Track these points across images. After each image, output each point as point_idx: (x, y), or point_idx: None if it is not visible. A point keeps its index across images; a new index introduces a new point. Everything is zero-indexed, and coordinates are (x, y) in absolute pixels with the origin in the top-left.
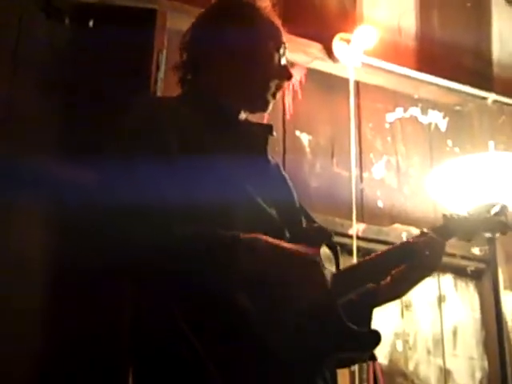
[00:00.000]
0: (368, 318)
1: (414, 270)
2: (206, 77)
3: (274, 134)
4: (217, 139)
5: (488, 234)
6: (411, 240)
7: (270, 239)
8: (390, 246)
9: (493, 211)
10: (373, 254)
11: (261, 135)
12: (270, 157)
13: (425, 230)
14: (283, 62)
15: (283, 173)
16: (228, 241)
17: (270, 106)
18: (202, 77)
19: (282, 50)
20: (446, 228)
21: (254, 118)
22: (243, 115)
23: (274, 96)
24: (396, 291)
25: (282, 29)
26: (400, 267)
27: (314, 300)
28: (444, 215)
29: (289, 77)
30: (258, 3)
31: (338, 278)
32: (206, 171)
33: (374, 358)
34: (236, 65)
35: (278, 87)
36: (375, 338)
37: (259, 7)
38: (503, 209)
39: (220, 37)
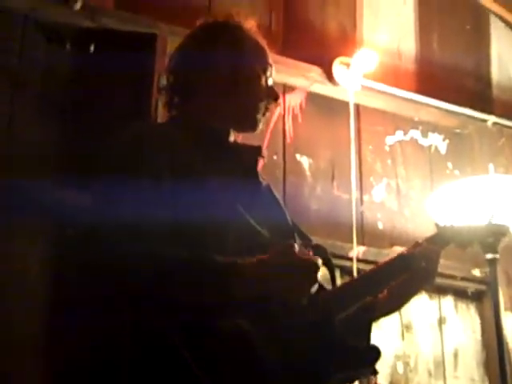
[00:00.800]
0: (367, 333)
1: (410, 281)
2: (193, 100)
3: (273, 157)
4: (207, 162)
5: (490, 255)
6: (406, 251)
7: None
8: (387, 259)
9: (487, 219)
10: (369, 268)
11: (251, 157)
12: (260, 178)
13: (419, 240)
14: (270, 83)
15: (275, 194)
16: (224, 268)
17: (260, 126)
18: (189, 100)
19: (268, 72)
20: (440, 237)
21: (252, 139)
22: (233, 137)
23: (263, 116)
24: (394, 304)
25: (267, 50)
26: (397, 279)
27: (313, 318)
28: (436, 224)
29: (276, 98)
30: (243, 25)
31: (337, 293)
32: (196, 193)
33: (375, 372)
34: (222, 88)
35: (267, 108)
36: (374, 353)
37: (244, 29)
38: (493, 217)
39: (205, 60)
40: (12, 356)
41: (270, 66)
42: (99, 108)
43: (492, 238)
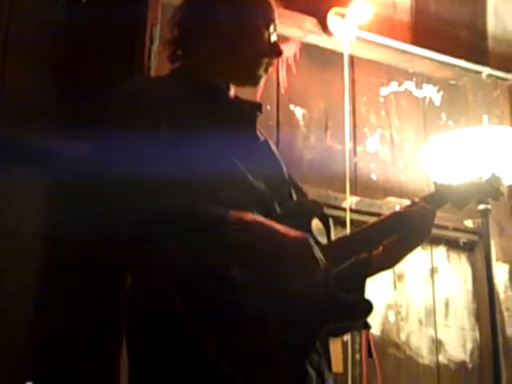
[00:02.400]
0: (362, 288)
1: (405, 239)
2: (195, 53)
3: (267, 107)
4: (205, 116)
5: (482, 206)
6: (402, 209)
7: (259, 218)
8: (382, 216)
9: (485, 178)
10: (365, 225)
11: (250, 112)
12: (259, 133)
13: (415, 199)
14: (273, 38)
15: (273, 148)
16: (217, 219)
17: (261, 81)
18: (192, 53)
19: (272, 28)
20: (438, 195)
21: (248, 92)
22: (233, 91)
23: (265, 71)
24: (388, 261)
25: (273, 5)
26: (391, 237)
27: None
28: (435, 183)
29: (278, 54)
30: None
31: (331, 248)
32: (194, 146)
33: (368, 327)
34: (226, 42)
35: (269, 63)
36: (367, 306)
37: None
38: (495, 175)
39: (210, 14)
40: (4, 305)
41: (274, 21)
42: (93, 59)
43: (491, 197)
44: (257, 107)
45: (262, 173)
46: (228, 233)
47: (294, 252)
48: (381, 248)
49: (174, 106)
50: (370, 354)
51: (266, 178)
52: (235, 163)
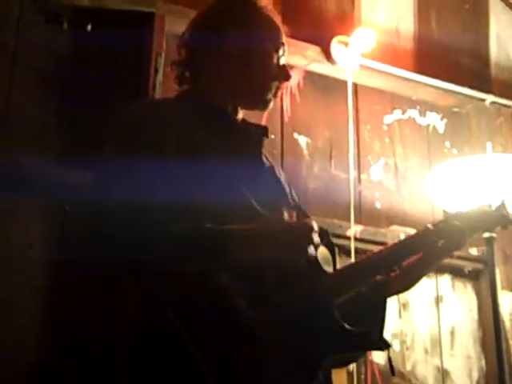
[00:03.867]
0: (383, 309)
1: (422, 259)
2: (203, 76)
3: (271, 136)
4: (212, 139)
5: (488, 234)
6: (432, 227)
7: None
8: (405, 236)
9: (494, 206)
10: (384, 246)
11: (256, 137)
12: (264, 159)
13: (429, 225)
14: (282, 62)
15: (278, 175)
16: (216, 233)
17: (271, 105)
18: (199, 76)
19: (281, 51)
20: (447, 223)
21: (250, 119)
22: (241, 115)
23: (275, 95)
24: (406, 281)
25: (281, 29)
26: (412, 257)
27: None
28: (444, 211)
29: (287, 77)
30: (257, 2)
31: (348, 271)
32: (200, 171)
33: (388, 346)
34: (235, 65)
35: (278, 87)
36: (367, 338)
37: (259, 7)
38: (503, 204)
39: (218, 37)
40: (12, 334)
41: (283, 44)
42: (97, 87)
43: (500, 225)
44: (263, 131)
45: (267, 199)
46: (233, 249)
47: (296, 232)
48: (398, 269)
49: (179, 129)
50: (392, 372)
51: (270, 204)
52: (240, 189)
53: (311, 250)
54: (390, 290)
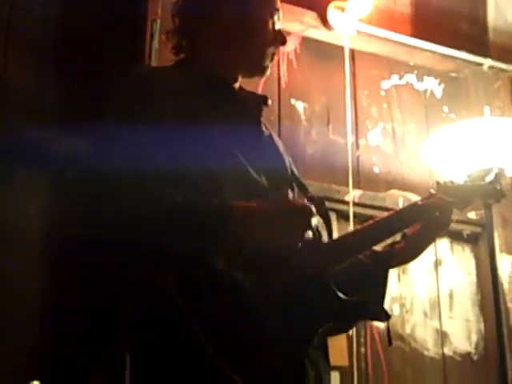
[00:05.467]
0: (384, 280)
1: (424, 231)
2: (200, 44)
3: (269, 103)
4: (210, 107)
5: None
6: (421, 201)
7: (260, 206)
8: (398, 209)
9: (487, 179)
10: (380, 217)
11: (255, 105)
12: (263, 127)
13: (432, 190)
14: (277, 27)
15: (276, 143)
16: (219, 210)
17: (268, 71)
18: (197, 45)
19: (276, 16)
20: (436, 198)
21: (247, 84)
22: (238, 83)
23: (271, 60)
24: (410, 253)
25: None
26: (412, 229)
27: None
28: (437, 182)
29: (283, 42)
30: None
31: (345, 240)
32: (197, 138)
33: (388, 317)
34: (230, 33)
35: (274, 53)
36: (363, 308)
37: None
38: (498, 176)
39: (213, 5)
40: (11, 309)
41: (278, 10)
42: (92, 55)
43: (492, 198)
44: (262, 100)
45: (265, 167)
46: (231, 227)
47: (296, 212)
48: (402, 240)
49: (179, 96)
50: (389, 342)
51: (268, 172)
52: (238, 157)
53: (309, 234)
54: (393, 262)
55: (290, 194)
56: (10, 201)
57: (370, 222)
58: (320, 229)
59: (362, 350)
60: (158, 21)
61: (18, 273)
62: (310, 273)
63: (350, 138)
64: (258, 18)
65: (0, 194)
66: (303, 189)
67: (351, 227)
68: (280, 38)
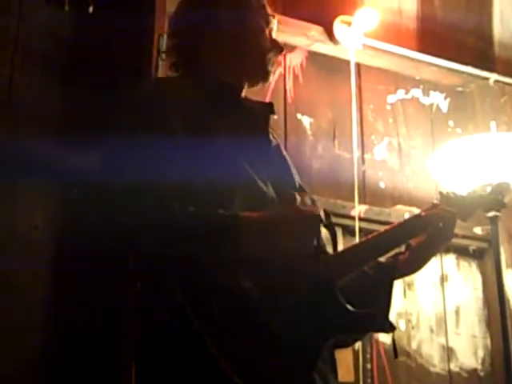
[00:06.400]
0: (389, 292)
1: (429, 242)
2: (199, 60)
3: (275, 113)
4: (218, 118)
5: (492, 213)
6: (423, 213)
7: (270, 215)
8: (402, 220)
9: (488, 189)
10: (384, 229)
11: (262, 114)
12: (271, 137)
13: (435, 201)
14: (273, 35)
15: (284, 153)
16: (229, 220)
17: (271, 77)
18: (195, 60)
19: (271, 23)
20: (438, 209)
21: (256, 98)
22: (244, 92)
23: (272, 66)
24: (415, 264)
25: (266, 3)
26: (416, 240)
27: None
28: (441, 193)
29: (281, 50)
30: None
31: (350, 252)
32: (207, 151)
33: (393, 328)
34: (229, 45)
35: (274, 61)
36: (371, 320)
37: None
38: (499, 187)
39: (208, 18)
40: (15, 316)
41: (272, 17)
42: (99, 70)
43: (494, 208)
44: (269, 108)
45: (272, 178)
46: (240, 237)
47: (305, 221)
48: (407, 251)
49: (187, 107)
50: (395, 355)
51: (275, 183)
52: (246, 168)
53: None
54: (397, 273)
55: (298, 199)
56: (16, 210)
57: (375, 233)
58: (325, 242)
59: (368, 365)
60: (165, 35)
61: (21, 280)
62: (318, 284)
63: (356, 153)
64: (254, 26)
65: (4, 203)
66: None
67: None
68: (277, 46)
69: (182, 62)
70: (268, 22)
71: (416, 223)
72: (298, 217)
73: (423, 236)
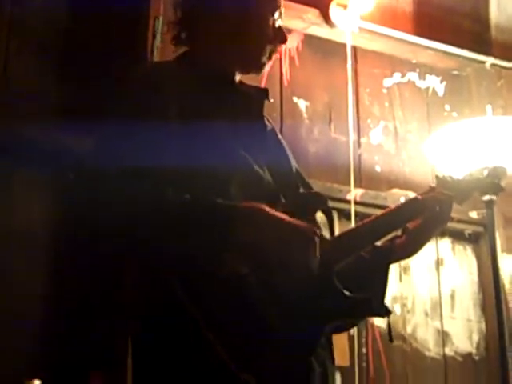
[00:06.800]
0: (385, 276)
1: (425, 225)
2: (199, 38)
3: (271, 98)
4: (214, 103)
5: (487, 197)
6: (420, 196)
7: (269, 209)
8: (399, 204)
9: (485, 173)
10: (381, 213)
11: (257, 99)
12: (266, 121)
13: (432, 185)
14: (278, 24)
15: (280, 137)
16: (226, 210)
17: (265, 68)
18: (197, 38)
19: (277, 14)
20: (440, 188)
21: (249, 82)
22: (238, 77)
23: (269, 58)
24: (411, 247)
25: None
26: (413, 223)
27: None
28: (437, 176)
29: (283, 40)
30: None
31: (346, 237)
32: (202, 136)
33: (389, 312)
34: (230, 28)
35: (273, 50)
36: (368, 305)
37: None
38: (496, 170)
39: (212, 2)
40: (12, 310)
41: (280, 7)
42: (95, 53)
43: (491, 192)
44: (264, 93)
45: (269, 163)
46: (237, 227)
47: (299, 234)
48: (403, 235)
49: (183, 92)
50: (390, 339)
51: (272, 168)
52: (243, 153)
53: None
54: (393, 257)
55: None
56: (12, 203)
57: (371, 217)
58: (322, 227)
59: (364, 350)
60: (161, 18)
61: (19, 274)
62: (316, 271)
63: (352, 137)
64: (257, 15)
65: (2, 196)
66: (306, 186)
67: (352, 226)
68: (280, 36)
69: (184, 37)
70: (273, 11)
71: (413, 207)
72: (296, 232)
73: (420, 219)
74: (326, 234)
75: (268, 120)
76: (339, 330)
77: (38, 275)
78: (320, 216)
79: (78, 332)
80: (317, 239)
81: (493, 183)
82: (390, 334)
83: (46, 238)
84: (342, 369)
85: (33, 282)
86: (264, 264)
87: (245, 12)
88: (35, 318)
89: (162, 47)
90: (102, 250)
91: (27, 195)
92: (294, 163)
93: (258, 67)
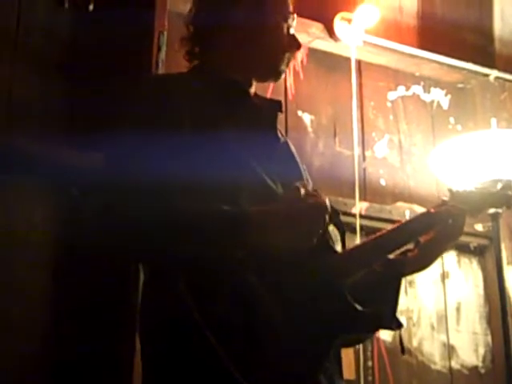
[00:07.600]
0: (396, 289)
1: (438, 239)
2: (214, 51)
3: (283, 111)
4: (227, 114)
5: (493, 210)
6: (433, 210)
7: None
8: (411, 217)
9: (499, 186)
10: (393, 226)
11: (270, 112)
12: (279, 133)
13: (444, 198)
14: (291, 32)
15: (293, 150)
16: (232, 216)
17: (283, 75)
18: (210, 51)
19: (290, 21)
20: (448, 206)
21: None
22: (253, 88)
23: (287, 65)
24: (423, 261)
25: None
26: (425, 237)
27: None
28: (450, 189)
29: (298, 47)
30: None
31: (358, 250)
32: (215, 148)
33: (400, 326)
34: (246, 39)
35: (290, 58)
36: (380, 318)
37: None
38: (508, 183)
39: (226, 11)
40: (14, 315)
41: (292, 14)
42: (100, 67)
43: (504, 205)
44: (277, 105)
45: (281, 175)
46: (247, 233)
47: (310, 214)
48: (415, 248)
49: (195, 102)
50: (402, 351)
51: (284, 180)
52: (254, 166)
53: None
54: (405, 270)
55: (302, 191)
56: (15, 209)
57: (383, 231)
58: (333, 239)
59: (369, 363)
60: (165, 33)
61: (22, 278)
62: (325, 283)
63: (357, 150)
64: (272, 22)
65: (4, 201)
66: None
67: (358, 240)
68: (295, 43)
69: (197, 52)
70: (286, 18)
71: (425, 220)
72: (300, 207)
73: (432, 233)
74: (338, 247)
75: (281, 132)
76: (349, 345)
77: (41, 282)
78: (331, 229)
79: (79, 333)
80: (324, 209)
81: (506, 196)
82: (402, 345)
83: (47, 244)
84: (347, 382)
85: (33, 282)
86: (273, 272)
87: (259, 21)
88: (36, 321)
89: (166, 61)
90: (106, 259)
91: (31, 200)
92: (307, 176)
93: (277, 75)
